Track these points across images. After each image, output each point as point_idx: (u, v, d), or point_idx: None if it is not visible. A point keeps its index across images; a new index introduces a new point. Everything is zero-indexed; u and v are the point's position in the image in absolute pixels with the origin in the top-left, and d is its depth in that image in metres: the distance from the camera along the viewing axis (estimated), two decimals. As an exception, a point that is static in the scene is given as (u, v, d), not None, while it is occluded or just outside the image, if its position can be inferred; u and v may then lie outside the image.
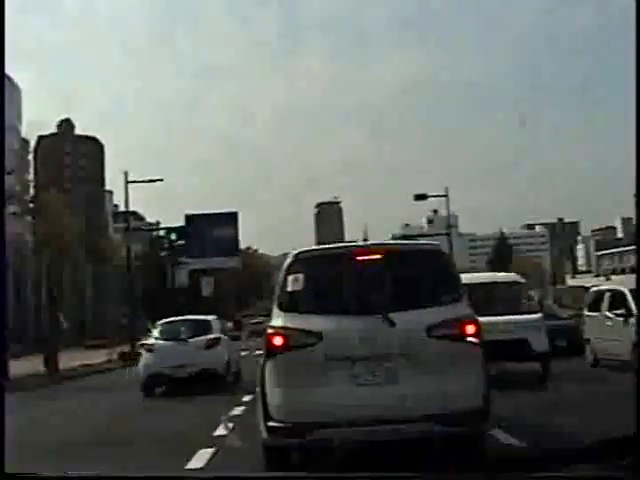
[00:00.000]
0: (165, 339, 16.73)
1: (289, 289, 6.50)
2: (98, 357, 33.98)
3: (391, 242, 7.83)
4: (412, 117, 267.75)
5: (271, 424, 6.22)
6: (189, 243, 44.79)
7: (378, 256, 6.58)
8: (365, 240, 9.07)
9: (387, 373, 6.18)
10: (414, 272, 6.64)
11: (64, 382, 22.70)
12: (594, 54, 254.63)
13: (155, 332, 17.19)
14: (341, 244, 7.35)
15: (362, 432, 6.01)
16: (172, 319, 18.18)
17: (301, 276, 6.47)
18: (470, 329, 6.34)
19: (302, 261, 6.62)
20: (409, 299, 6.44)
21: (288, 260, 6.67)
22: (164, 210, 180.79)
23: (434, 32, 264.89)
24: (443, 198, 44.56)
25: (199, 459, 7.49)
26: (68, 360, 27.81)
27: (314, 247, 7.45)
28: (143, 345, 17.53)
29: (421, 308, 6.37)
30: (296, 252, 6.71)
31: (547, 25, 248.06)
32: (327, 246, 7.33)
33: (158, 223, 50.61)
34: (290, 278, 6.50)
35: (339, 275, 6.63)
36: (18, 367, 22.63)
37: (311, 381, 6.18)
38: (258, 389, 6.49)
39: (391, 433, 5.98)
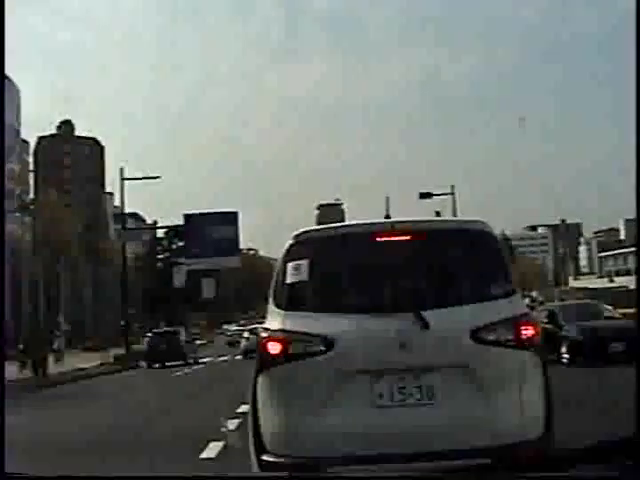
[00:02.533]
0: (252, 334, 31.24)
1: (289, 280, 4.97)
2: (94, 360, 33.24)
3: (423, 219, 5.79)
4: (414, 117, 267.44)
5: (266, 458, 4.74)
6: (188, 243, 44.24)
7: (406, 237, 5.01)
8: (387, 217, 6.27)
9: (421, 391, 4.72)
10: (454, 258, 5.17)
11: (51, 388, 21.81)
12: (596, 54, 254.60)
13: (246, 332, 35.46)
14: (357, 222, 5.47)
15: (389, 470, 4.46)
16: (257, 325, 31.60)
17: (305, 263, 4.95)
18: (528, 332, 4.85)
19: (306, 244, 5.07)
20: (448, 293, 5.02)
21: (288, 243, 5.12)
22: (166, 213, 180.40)
23: (438, 32, 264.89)
24: (446, 198, 44.01)
25: None
26: (62, 363, 27.14)
27: (322, 226, 5.64)
28: (244, 337, 35.21)
29: (464, 304, 4.88)
30: (298, 232, 5.15)
31: (549, 25, 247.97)
32: (338, 224, 5.57)
33: (156, 223, 49.98)
34: (290, 266, 4.98)
35: (355, 262, 5.13)
36: (7, 371, 21.81)
37: (319, 402, 4.70)
38: (249, 411, 5.02)
39: (427, 470, 4.34)
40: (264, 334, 4.98)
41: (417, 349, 4.69)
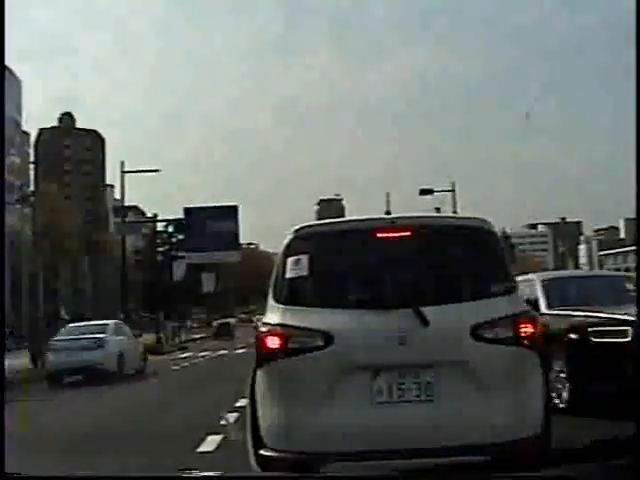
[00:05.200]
0: None
1: (289, 275, 4.97)
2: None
3: (423, 215, 5.84)
4: (415, 114, 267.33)
5: (264, 453, 4.74)
6: (188, 236, 44.22)
7: (406, 233, 5.01)
8: (388, 213, 6.43)
9: (420, 388, 4.70)
10: (453, 254, 5.16)
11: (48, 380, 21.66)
12: (596, 53, 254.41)
13: None
14: (357, 217, 5.44)
15: (388, 466, 4.48)
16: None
17: (305, 258, 4.94)
18: (527, 330, 4.86)
19: (305, 239, 5.08)
20: (447, 289, 5.01)
21: (287, 238, 5.13)
22: (166, 207, 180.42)
23: (439, 31, 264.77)
24: (446, 195, 43.96)
25: None
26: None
27: (322, 221, 5.66)
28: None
29: (463, 301, 4.89)
30: (298, 227, 5.16)
31: (550, 25, 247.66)
32: (338, 220, 5.58)
33: (156, 216, 49.95)
34: (290, 261, 4.99)
35: (355, 257, 5.11)
36: (6, 363, 21.75)
37: (318, 397, 4.69)
38: (247, 406, 5.06)
39: (425, 466, 4.43)
40: (263, 328, 4.96)
41: (416, 346, 4.69)
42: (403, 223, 5.09)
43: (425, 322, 4.70)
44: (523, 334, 4.83)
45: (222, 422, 7.83)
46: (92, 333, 20.62)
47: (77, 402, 15.53)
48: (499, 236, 5.33)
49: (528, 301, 9.06)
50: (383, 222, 5.16)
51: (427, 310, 4.73)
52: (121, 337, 21.54)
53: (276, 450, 4.71)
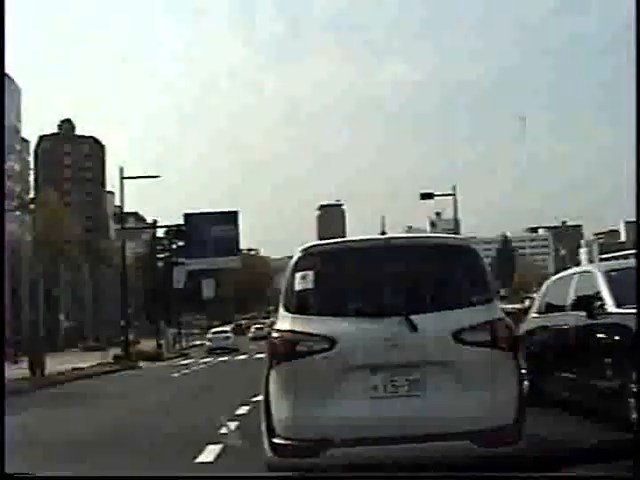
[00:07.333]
0: None
1: (297, 288, 5.74)
2: (93, 359, 33.18)
3: (413, 235, 7.12)
4: (415, 118, 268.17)
5: (276, 441, 5.44)
6: (188, 243, 44.19)
7: (399, 251, 5.86)
8: (383, 233, 7.31)
9: (409, 384, 5.43)
10: (439, 269, 5.98)
11: (49, 388, 21.46)
12: (596, 54, 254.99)
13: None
14: (356, 237, 6.40)
15: (382, 451, 5.12)
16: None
17: (311, 273, 5.72)
18: (502, 334, 5.59)
19: (311, 257, 5.86)
20: (433, 300, 5.75)
21: (296, 256, 5.91)
22: (166, 214, 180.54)
23: (438, 33, 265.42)
24: (446, 199, 43.89)
25: None
26: (60, 363, 27.10)
27: (325, 241, 6.48)
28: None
29: (447, 310, 5.61)
30: (305, 247, 5.96)
31: (550, 26, 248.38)
32: (340, 240, 6.41)
33: (155, 222, 49.89)
34: (298, 276, 5.76)
35: (354, 272, 5.89)
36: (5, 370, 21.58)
37: (323, 393, 5.41)
38: (262, 400, 5.68)
39: (415, 452, 5.09)
40: (275, 334, 5.72)
41: (407, 348, 5.42)
42: (396, 243, 6.00)
43: (414, 328, 5.42)
44: (499, 337, 5.56)
45: (221, 431, 7.74)
46: (224, 333, 47.72)
47: (74, 408, 15.45)
48: (479, 253, 6.08)
49: (585, 298, 8.17)
50: (378, 242, 5.99)
51: (416, 318, 5.44)
52: (233, 335, 48.20)
53: (287, 438, 5.41)
